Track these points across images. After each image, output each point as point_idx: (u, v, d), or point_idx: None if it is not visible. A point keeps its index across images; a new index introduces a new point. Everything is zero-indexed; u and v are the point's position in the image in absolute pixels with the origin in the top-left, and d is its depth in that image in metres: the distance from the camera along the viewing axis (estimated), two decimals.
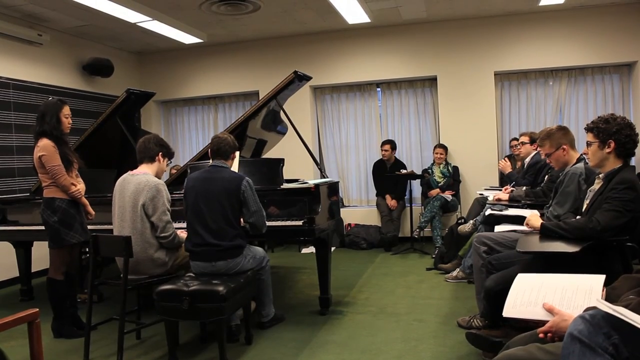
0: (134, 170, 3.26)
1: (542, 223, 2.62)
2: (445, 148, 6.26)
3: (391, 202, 6.37)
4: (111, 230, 3.32)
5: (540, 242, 2.53)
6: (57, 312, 3.49)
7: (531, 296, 1.59)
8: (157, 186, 3.12)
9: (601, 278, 1.56)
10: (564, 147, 3.10)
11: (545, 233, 2.57)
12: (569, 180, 3.00)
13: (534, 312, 1.55)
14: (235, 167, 3.57)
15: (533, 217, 2.74)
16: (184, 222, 3.23)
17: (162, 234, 3.12)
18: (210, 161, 3.24)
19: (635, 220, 2.39)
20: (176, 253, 3.26)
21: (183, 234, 3.23)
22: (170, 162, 3.44)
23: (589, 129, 2.52)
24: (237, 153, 3.69)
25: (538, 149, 4.12)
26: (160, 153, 3.29)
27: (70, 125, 3.53)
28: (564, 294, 1.55)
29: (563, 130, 3.16)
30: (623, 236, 2.38)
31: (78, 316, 3.64)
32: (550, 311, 1.51)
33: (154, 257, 3.12)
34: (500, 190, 4.95)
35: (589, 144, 2.53)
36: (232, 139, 3.25)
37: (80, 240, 3.48)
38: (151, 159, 3.27)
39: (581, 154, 3.22)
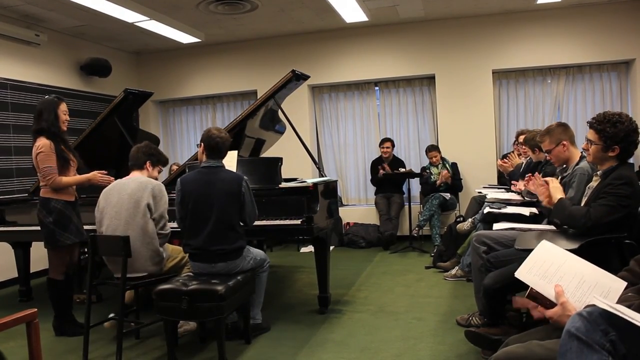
0: (128, 177, 3.30)
1: (560, 198, 2.61)
2: (437, 149, 6.22)
3: (382, 171, 6.31)
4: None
5: (538, 240, 2.52)
6: (57, 310, 3.50)
7: (549, 270, 1.55)
8: (159, 186, 3.23)
9: (622, 284, 1.49)
10: (564, 143, 3.08)
11: (555, 208, 2.61)
12: (578, 183, 2.95)
13: (544, 287, 1.52)
14: (233, 167, 3.56)
15: (557, 188, 2.72)
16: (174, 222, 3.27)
17: (161, 231, 3.20)
18: (204, 159, 3.16)
19: (633, 217, 2.39)
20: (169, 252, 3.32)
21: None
22: (162, 170, 3.52)
23: (594, 128, 2.45)
24: (236, 152, 3.70)
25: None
26: (148, 162, 3.33)
27: (67, 122, 3.53)
28: (580, 284, 1.51)
29: (563, 127, 3.14)
30: (621, 233, 2.38)
31: (72, 316, 3.65)
32: (557, 296, 1.47)
33: (157, 249, 3.16)
34: (499, 188, 4.96)
35: (590, 142, 2.48)
36: (228, 137, 3.20)
37: (74, 242, 3.48)
38: (140, 167, 3.33)
39: (582, 152, 3.19)
